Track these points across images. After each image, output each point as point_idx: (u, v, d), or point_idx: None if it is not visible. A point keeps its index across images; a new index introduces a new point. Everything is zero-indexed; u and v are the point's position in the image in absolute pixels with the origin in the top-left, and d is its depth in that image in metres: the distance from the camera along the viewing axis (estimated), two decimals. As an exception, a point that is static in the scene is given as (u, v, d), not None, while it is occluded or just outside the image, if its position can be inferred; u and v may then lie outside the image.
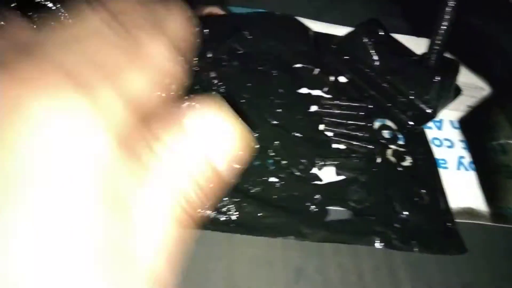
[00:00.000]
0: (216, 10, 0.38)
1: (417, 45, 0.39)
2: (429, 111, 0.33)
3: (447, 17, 0.30)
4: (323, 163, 0.30)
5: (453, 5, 0.30)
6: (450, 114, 0.36)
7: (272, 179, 0.29)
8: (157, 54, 0.18)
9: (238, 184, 0.28)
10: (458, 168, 0.33)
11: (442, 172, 0.32)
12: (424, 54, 0.33)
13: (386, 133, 0.33)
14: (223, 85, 0.33)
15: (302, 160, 0.30)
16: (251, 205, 0.27)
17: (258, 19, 0.37)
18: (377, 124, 0.33)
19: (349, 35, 0.36)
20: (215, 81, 0.33)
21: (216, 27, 0.36)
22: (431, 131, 0.34)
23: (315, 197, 0.28)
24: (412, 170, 0.31)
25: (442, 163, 0.33)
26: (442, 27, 0.31)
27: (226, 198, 0.27)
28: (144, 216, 0.14)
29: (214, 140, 0.16)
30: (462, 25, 0.32)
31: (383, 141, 0.32)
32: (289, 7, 0.40)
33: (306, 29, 0.37)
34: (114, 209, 0.13)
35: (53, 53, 0.17)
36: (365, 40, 0.35)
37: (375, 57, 0.35)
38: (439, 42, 0.31)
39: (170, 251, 0.14)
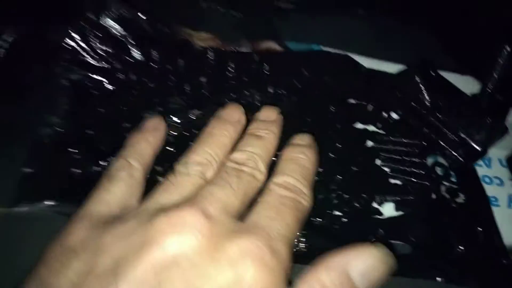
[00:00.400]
0: (273, 45, 0.40)
1: (461, 82, 0.41)
2: (479, 149, 0.34)
3: (501, 62, 0.32)
4: (383, 198, 0.31)
5: (509, 50, 0.32)
6: (498, 152, 0.37)
7: (336, 212, 0.30)
8: None
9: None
10: (509, 206, 0.34)
11: (493, 209, 0.33)
12: (476, 95, 0.35)
13: (438, 170, 0.34)
14: (284, 119, 0.35)
15: (363, 195, 0.31)
16: (319, 238, 0.28)
17: (315, 57, 0.39)
18: (430, 161, 0.35)
19: (402, 73, 0.38)
20: (277, 116, 0.35)
21: (276, 63, 0.38)
22: (480, 169, 0.36)
23: (377, 231, 0.30)
24: (466, 207, 0.32)
25: (493, 201, 0.34)
26: (495, 71, 0.33)
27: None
28: None
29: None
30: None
31: (436, 177, 0.34)
32: (340, 43, 0.42)
33: (359, 66, 0.39)
34: None
35: None
36: (418, 79, 0.37)
37: (427, 96, 0.37)
38: (492, 86, 0.33)
39: None
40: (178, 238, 0.17)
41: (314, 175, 0.26)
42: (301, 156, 0.26)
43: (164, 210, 0.19)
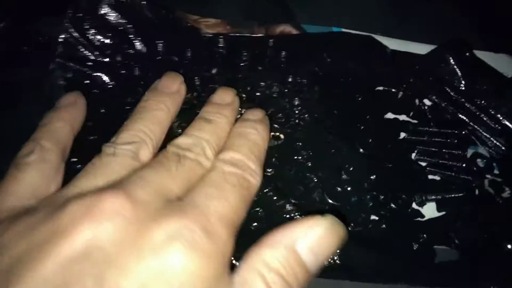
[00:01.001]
0: (288, 28, 0.36)
1: (495, 61, 0.37)
2: (524, 136, 0.31)
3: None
4: (423, 198, 0.28)
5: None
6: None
7: (373, 216, 0.27)
8: None
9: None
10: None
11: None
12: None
13: (480, 162, 0.31)
14: (306, 113, 0.31)
15: (401, 195, 0.28)
16: (356, 247, 0.25)
17: (335, 40, 0.35)
18: (469, 152, 0.31)
19: (432, 54, 0.35)
20: (299, 108, 0.31)
21: (294, 49, 0.34)
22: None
23: (419, 236, 0.27)
24: (513, 202, 0.29)
25: (543, 194, 0.31)
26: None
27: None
28: None
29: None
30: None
31: (478, 171, 0.30)
32: (360, 23, 0.38)
33: (384, 48, 0.35)
34: None
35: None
36: (451, 60, 0.33)
37: (462, 79, 0.33)
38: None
39: None
40: (92, 226, 0.15)
41: (264, 152, 0.24)
42: (251, 131, 0.23)
43: (81, 195, 0.17)
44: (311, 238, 0.17)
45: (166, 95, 0.25)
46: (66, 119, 0.23)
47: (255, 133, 0.23)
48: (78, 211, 0.15)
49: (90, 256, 0.15)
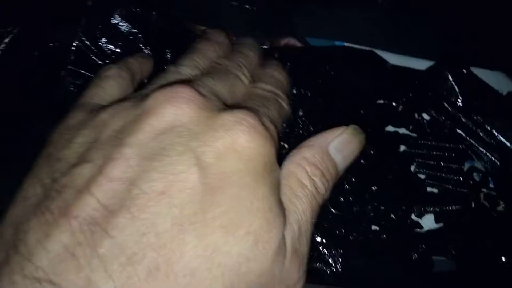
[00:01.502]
0: (293, 41, 0.37)
1: (490, 78, 0.38)
2: (517, 152, 0.32)
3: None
4: (422, 210, 0.29)
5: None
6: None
7: (374, 227, 0.28)
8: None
9: (340, 233, 0.27)
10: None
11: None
12: (511, 93, 0.33)
13: (476, 176, 0.32)
14: (310, 124, 0.32)
15: (401, 206, 0.29)
16: (355, 255, 0.26)
17: (338, 54, 0.36)
18: (466, 166, 0.33)
19: (430, 69, 0.36)
20: (303, 119, 0.32)
21: (297, 61, 0.35)
22: (520, 173, 0.34)
23: (418, 246, 0.28)
24: (507, 215, 0.30)
25: (536, 207, 0.32)
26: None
27: (334, 248, 0.26)
28: None
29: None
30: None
31: (474, 184, 0.32)
32: (362, 37, 0.39)
33: (385, 63, 0.36)
34: None
35: None
36: (449, 76, 0.35)
37: (459, 95, 0.34)
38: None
39: None
40: (173, 108, 0.18)
41: (287, 90, 0.27)
42: (275, 72, 0.27)
43: (161, 88, 0.20)
44: (339, 141, 0.21)
45: (216, 43, 0.28)
46: (139, 61, 0.28)
47: (279, 74, 0.27)
48: (160, 97, 0.18)
49: (175, 129, 0.17)
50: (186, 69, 0.25)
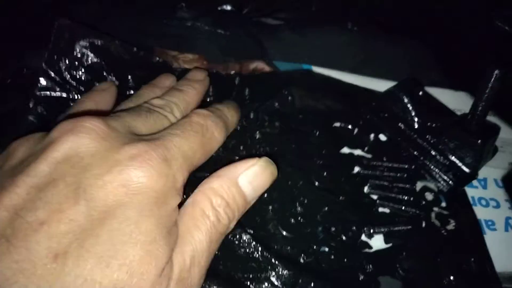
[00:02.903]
0: (262, 65, 0.39)
1: (454, 98, 0.40)
2: (469, 172, 0.33)
3: (491, 85, 0.31)
4: (372, 230, 0.30)
5: (498, 74, 0.30)
6: (493, 172, 0.36)
7: (323, 248, 0.29)
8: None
9: (290, 254, 0.28)
10: (506, 230, 0.33)
11: (490, 234, 0.32)
12: (466, 115, 0.34)
13: (428, 195, 0.33)
14: (267, 146, 0.33)
15: (351, 227, 0.30)
16: (305, 277, 0.27)
17: (298, 79, 0.37)
18: (419, 185, 0.34)
19: (388, 92, 0.37)
20: (260, 141, 0.33)
21: (258, 87, 0.36)
22: (476, 191, 0.35)
23: (366, 266, 0.28)
24: (457, 234, 0.31)
25: (491, 225, 0.33)
26: (485, 94, 0.31)
27: (282, 270, 0.27)
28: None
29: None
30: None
31: (425, 203, 0.33)
32: (331, 61, 0.40)
33: (344, 86, 0.38)
34: None
35: None
36: (405, 99, 0.36)
37: (415, 117, 0.35)
38: (482, 108, 0.32)
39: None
40: (73, 137, 0.19)
41: (230, 124, 0.28)
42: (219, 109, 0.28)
43: (67, 117, 0.21)
44: (249, 172, 0.23)
45: (158, 88, 0.30)
46: (96, 100, 0.27)
47: (223, 108, 0.28)
48: (65, 127, 0.20)
49: (71, 159, 0.18)
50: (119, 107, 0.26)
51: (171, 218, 0.19)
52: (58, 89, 0.32)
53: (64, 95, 0.32)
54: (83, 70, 0.33)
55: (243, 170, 0.22)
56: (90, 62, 0.33)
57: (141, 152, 0.19)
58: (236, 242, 0.28)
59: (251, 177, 0.23)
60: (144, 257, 0.17)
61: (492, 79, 0.30)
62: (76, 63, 0.33)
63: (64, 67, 0.32)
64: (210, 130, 0.24)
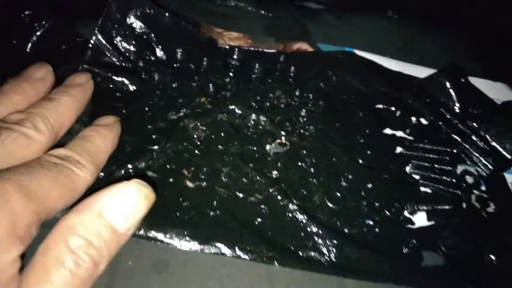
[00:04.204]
0: (305, 46, 0.39)
1: (492, 89, 0.40)
2: (510, 157, 0.34)
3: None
4: (415, 207, 0.30)
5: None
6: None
7: (368, 221, 0.29)
8: None
9: (336, 225, 0.28)
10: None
11: (526, 218, 0.33)
12: (507, 103, 0.34)
13: (469, 178, 0.34)
14: (311, 124, 0.34)
15: (394, 203, 0.30)
16: (351, 248, 0.28)
17: (341, 60, 0.38)
18: (459, 169, 0.34)
19: (430, 78, 0.37)
20: (304, 119, 0.34)
21: (303, 65, 0.37)
22: (513, 177, 0.35)
23: (409, 241, 0.29)
24: (496, 216, 0.32)
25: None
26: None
27: (328, 239, 0.27)
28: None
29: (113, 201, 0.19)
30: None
31: (466, 186, 0.33)
32: (371, 45, 0.41)
33: (386, 71, 0.38)
34: None
35: None
36: (447, 84, 0.36)
37: (457, 102, 0.36)
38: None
39: None
40: None
41: (106, 154, 0.25)
42: (93, 134, 0.25)
43: None
44: (118, 203, 0.19)
45: (27, 82, 0.26)
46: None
47: (97, 136, 0.25)
48: None
49: None
50: None
51: (7, 273, 0.17)
52: (108, 55, 0.33)
53: (114, 60, 0.33)
54: (133, 40, 0.34)
55: (109, 198, 0.19)
56: (140, 31, 0.34)
57: None
58: (283, 211, 0.28)
59: (119, 205, 0.19)
60: None
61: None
62: (127, 32, 0.34)
63: (115, 35, 0.33)
64: (72, 167, 0.21)
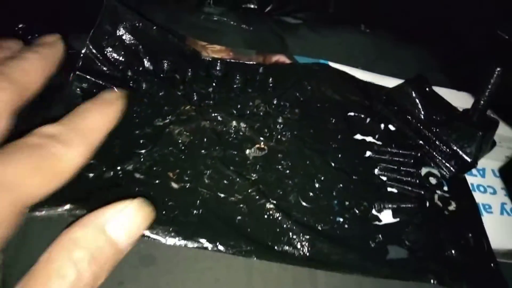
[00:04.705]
0: (283, 58, 0.42)
1: (457, 97, 0.44)
2: (470, 161, 0.37)
3: (492, 81, 0.35)
4: (382, 206, 0.33)
5: (499, 71, 0.34)
6: (491, 163, 0.40)
7: (338, 218, 0.32)
8: None
9: (309, 222, 0.31)
10: (502, 213, 0.37)
11: (487, 216, 0.36)
12: (468, 110, 0.37)
13: (432, 179, 0.37)
14: (288, 130, 0.36)
15: (363, 202, 0.33)
16: (322, 243, 0.30)
17: (317, 71, 0.41)
18: (424, 171, 0.37)
19: (397, 87, 0.41)
20: (281, 126, 0.37)
21: (280, 77, 0.40)
22: (476, 179, 0.39)
23: (376, 236, 0.32)
24: (457, 214, 0.35)
25: (488, 208, 0.37)
26: (487, 90, 0.35)
27: (302, 235, 0.30)
28: None
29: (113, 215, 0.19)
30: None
31: (429, 186, 0.36)
32: (345, 58, 0.44)
33: (358, 81, 0.41)
34: None
35: None
36: (413, 93, 0.39)
37: (422, 110, 0.39)
38: (483, 102, 0.36)
39: None
40: None
41: (102, 132, 0.24)
42: (90, 109, 0.24)
43: None
44: (121, 219, 0.19)
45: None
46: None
47: (93, 111, 0.24)
48: None
49: None
50: None
51: None
52: (99, 64, 0.35)
53: (105, 69, 0.35)
54: (122, 50, 0.37)
55: (113, 214, 0.19)
56: (129, 43, 0.37)
57: None
58: (260, 210, 0.31)
59: (122, 222, 0.19)
60: None
61: (494, 76, 0.34)
62: (117, 43, 0.36)
63: (105, 45, 0.36)
64: (53, 148, 0.20)
